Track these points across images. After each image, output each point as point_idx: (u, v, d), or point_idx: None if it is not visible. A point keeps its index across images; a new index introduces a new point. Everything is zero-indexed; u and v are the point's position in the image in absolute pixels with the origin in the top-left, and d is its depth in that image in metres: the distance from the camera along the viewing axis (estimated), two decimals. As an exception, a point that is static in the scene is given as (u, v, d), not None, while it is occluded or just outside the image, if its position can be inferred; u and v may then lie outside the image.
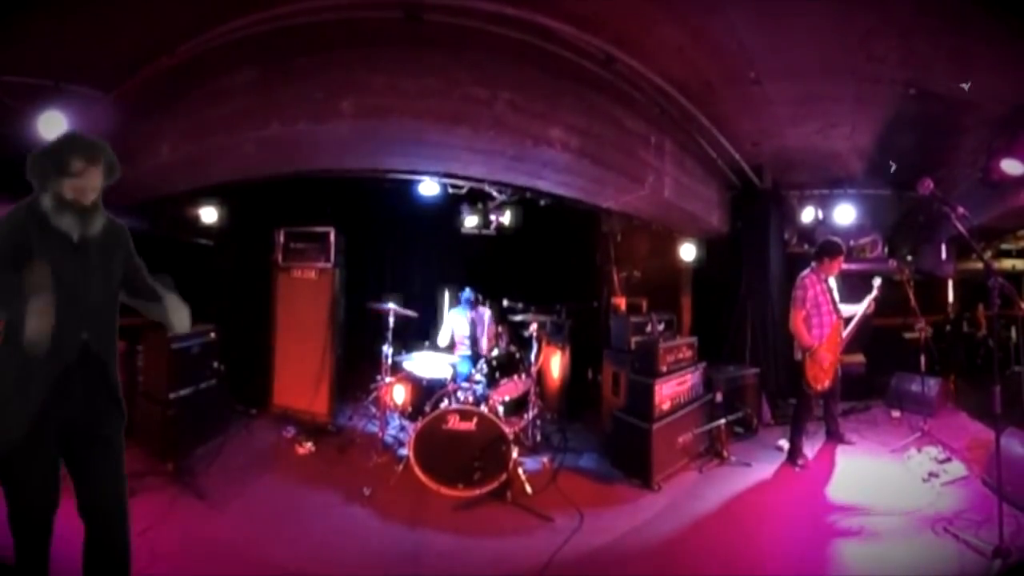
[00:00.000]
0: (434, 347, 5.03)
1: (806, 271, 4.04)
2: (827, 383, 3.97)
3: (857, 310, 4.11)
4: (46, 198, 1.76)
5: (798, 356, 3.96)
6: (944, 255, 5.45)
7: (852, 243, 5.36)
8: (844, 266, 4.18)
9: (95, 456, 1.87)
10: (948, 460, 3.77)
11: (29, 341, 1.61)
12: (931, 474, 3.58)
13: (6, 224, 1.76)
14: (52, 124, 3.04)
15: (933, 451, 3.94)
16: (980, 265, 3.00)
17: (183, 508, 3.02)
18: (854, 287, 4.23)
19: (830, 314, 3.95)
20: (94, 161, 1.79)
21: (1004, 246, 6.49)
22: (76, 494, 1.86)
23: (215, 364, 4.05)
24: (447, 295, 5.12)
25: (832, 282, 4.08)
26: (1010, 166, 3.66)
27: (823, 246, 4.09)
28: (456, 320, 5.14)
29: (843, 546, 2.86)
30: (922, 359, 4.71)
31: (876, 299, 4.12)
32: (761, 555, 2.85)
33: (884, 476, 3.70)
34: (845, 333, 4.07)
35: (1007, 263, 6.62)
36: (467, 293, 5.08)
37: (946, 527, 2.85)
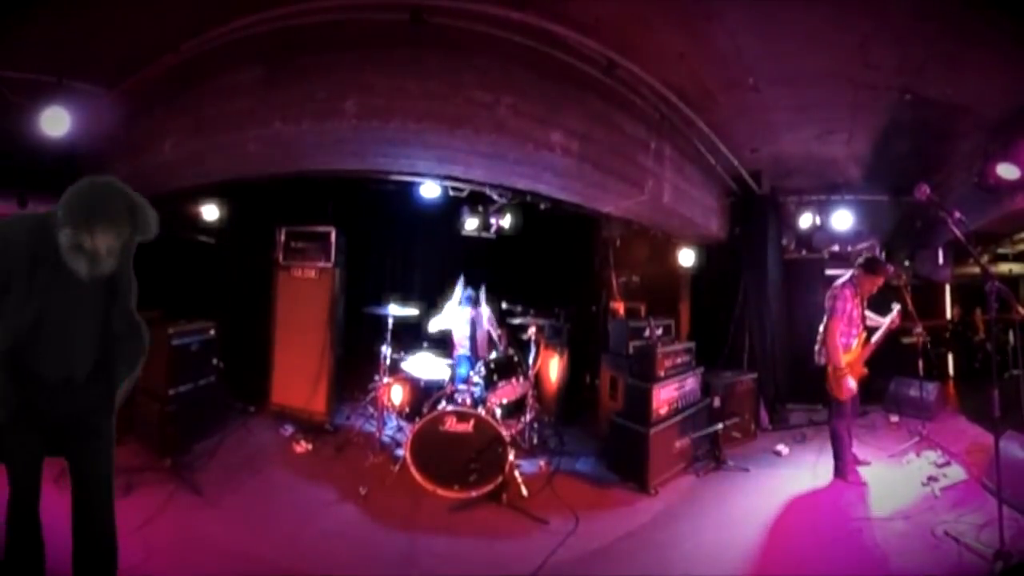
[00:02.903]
0: (432, 348, 5.02)
1: (844, 280, 3.83)
2: (852, 393, 3.70)
3: (880, 321, 3.92)
4: (64, 235, 1.71)
5: (820, 360, 3.77)
6: (941, 260, 5.46)
7: (850, 248, 5.37)
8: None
9: (84, 446, 1.89)
10: (947, 464, 3.77)
11: None
12: (930, 478, 3.56)
13: (15, 237, 1.74)
14: (56, 121, 3.07)
15: (932, 455, 3.95)
16: (977, 269, 3.01)
17: (180, 504, 3.03)
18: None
19: (858, 327, 3.80)
20: (117, 232, 1.73)
21: (1001, 250, 6.50)
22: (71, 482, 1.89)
23: (214, 361, 4.07)
24: (459, 287, 5.07)
25: (864, 298, 3.87)
26: (1006, 171, 3.66)
27: (870, 262, 3.86)
28: (456, 317, 5.12)
29: (842, 551, 2.83)
30: (920, 364, 4.72)
31: (895, 321, 3.93)
32: (758, 560, 2.82)
33: (883, 481, 3.68)
34: (864, 348, 3.88)
35: (1004, 267, 6.63)
36: (469, 291, 5.08)
37: (947, 531, 2.83)
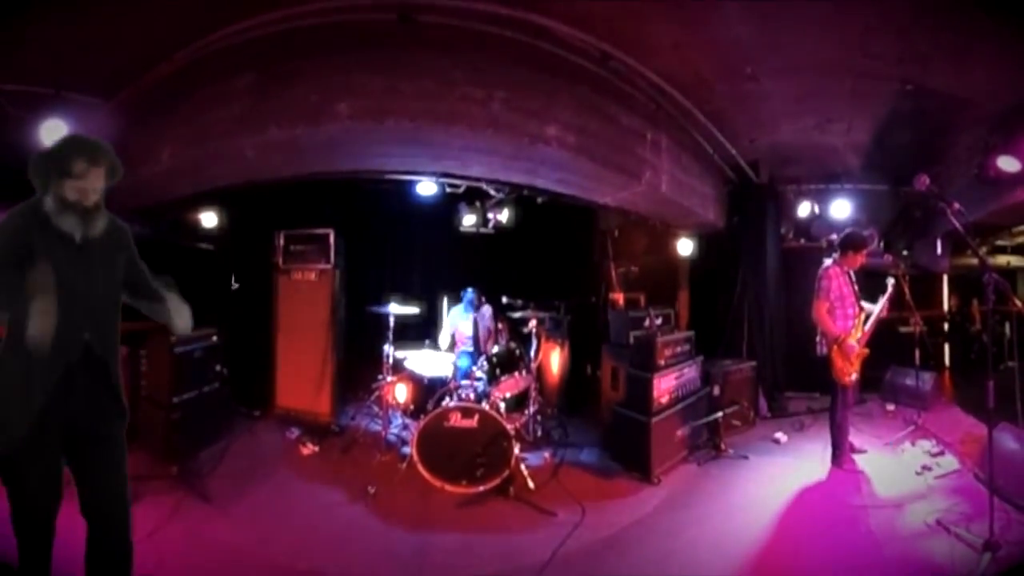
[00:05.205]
0: (435, 346, 5.06)
1: (828, 262, 3.89)
2: (855, 375, 3.77)
3: (874, 308, 3.92)
4: (48, 199, 1.77)
5: (823, 351, 3.79)
6: (939, 251, 5.48)
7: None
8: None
9: (97, 455, 1.89)
10: (941, 454, 3.83)
11: (32, 341, 1.64)
12: (924, 467, 3.63)
13: (9, 225, 1.77)
14: (54, 133, 3.06)
15: (926, 445, 4.01)
16: (975, 261, 3.01)
17: (188, 511, 3.04)
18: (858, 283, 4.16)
19: (853, 306, 3.81)
20: (96, 162, 1.79)
21: (999, 242, 6.55)
22: (79, 493, 1.89)
23: (218, 367, 4.07)
24: (446, 301, 5.11)
25: (852, 275, 3.91)
26: (1006, 163, 3.66)
27: (848, 238, 3.90)
28: (459, 320, 5.16)
29: (837, 538, 2.91)
30: (917, 353, 4.76)
31: (890, 298, 3.96)
32: (757, 546, 2.89)
33: (878, 469, 3.75)
34: (866, 328, 3.85)
35: (1002, 259, 6.70)
36: (469, 294, 5.08)
37: (938, 520, 2.89)
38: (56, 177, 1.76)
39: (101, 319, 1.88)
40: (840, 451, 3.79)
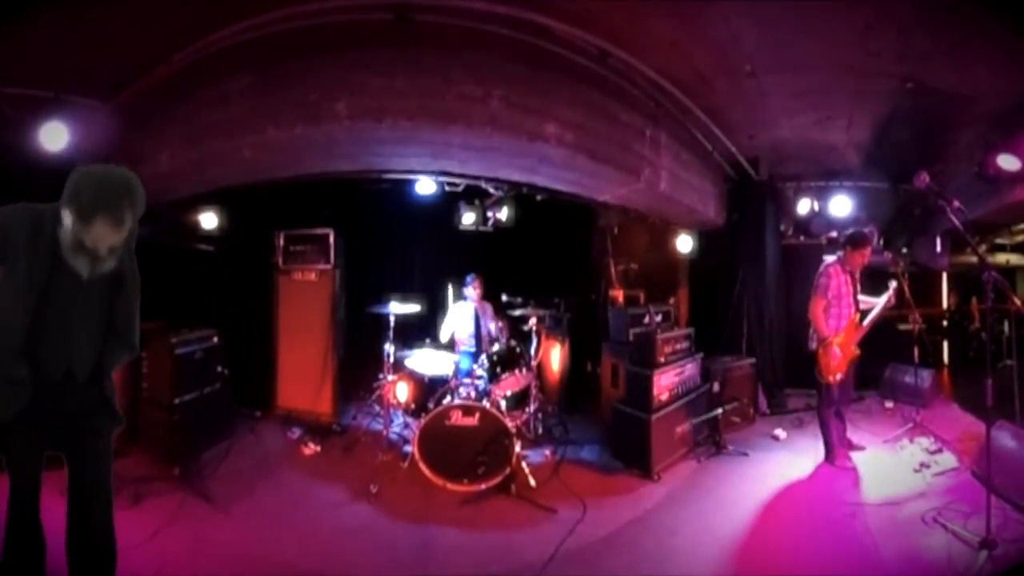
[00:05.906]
0: (435, 344, 5.07)
1: (831, 259, 3.89)
2: (840, 375, 3.78)
3: (874, 303, 3.93)
4: (65, 234, 1.72)
5: (812, 346, 3.83)
6: (939, 248, 5.48)
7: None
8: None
9: (81, 444, 1.91)
10: (939, 451, 3.85)
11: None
12: (922, 464, 3.66)
13: (18, 222, 1.74)
14: (54, 136, 3.06)
15: (925, 442, 4.04)
16: (974, 259, 3.02)
17: (191, 512, 3.05)
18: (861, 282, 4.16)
19: (849, 306, 3.81)
20: (120, 224, 1.70)
21: (998, 240, 6.56)
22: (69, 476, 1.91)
23: (219, 368, 4.07)
24: (450, 290, 5.11)
25: (855, 275, 3.90)
26: (1006, 161, 3.67)
27: (851, 236, 3.89)
28: (459, 316, 5.16)
29: (835, 535, 2.93)
30: (915, 351, 4.78)
31: (891, 299, 3.97)
32: (757, 543, 2.93)
33: (877, 466, 3.78)
34: (863, 324, 3.88)
35: (1001, 257, 6.72)
36: (469, 277, 5.09)
37: (935, 517, 2.91)
38: (75, 219, 1.67)
39: (87, 355, 1.87)
40: (830, 447, 3.82)
